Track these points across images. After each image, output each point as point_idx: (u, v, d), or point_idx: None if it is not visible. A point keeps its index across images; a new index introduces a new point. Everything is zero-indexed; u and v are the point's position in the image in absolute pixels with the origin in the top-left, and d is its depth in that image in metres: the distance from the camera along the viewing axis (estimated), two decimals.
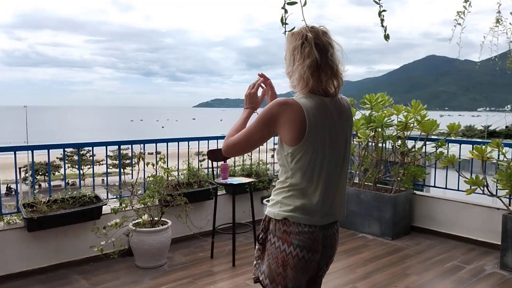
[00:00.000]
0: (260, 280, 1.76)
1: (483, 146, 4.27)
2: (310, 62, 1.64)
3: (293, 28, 1.98)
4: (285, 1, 2.06)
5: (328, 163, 1.68)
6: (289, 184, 1.69)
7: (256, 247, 1.81)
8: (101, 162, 18.02)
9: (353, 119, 1.70)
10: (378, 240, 4.85)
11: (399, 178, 5.06)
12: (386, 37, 2.33)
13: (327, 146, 1.68)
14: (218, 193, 4.52)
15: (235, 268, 3.99)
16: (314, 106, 1.64)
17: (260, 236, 1.77)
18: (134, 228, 3.93)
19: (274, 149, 6.82)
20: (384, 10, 2.26)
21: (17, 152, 3.97)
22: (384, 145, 5.27)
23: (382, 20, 2.30)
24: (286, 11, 2.07)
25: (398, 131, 5.03)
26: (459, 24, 3.39)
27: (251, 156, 5.47)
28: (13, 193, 4.33)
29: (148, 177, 4.26)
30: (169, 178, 4.41)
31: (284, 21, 2.08)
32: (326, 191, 1.69)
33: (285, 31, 2.10)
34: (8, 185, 19.65)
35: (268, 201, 1.90)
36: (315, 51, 1.64)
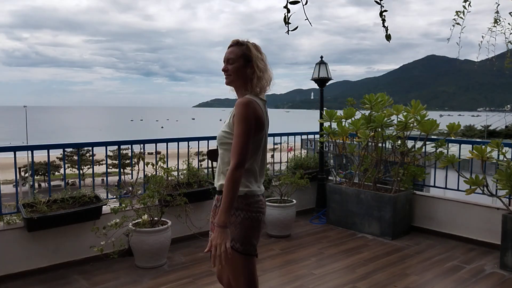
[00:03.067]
0: (232, 245, 2.03)
1: (483, 146, 4.27)
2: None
3: (296, 28, 1.98)
4: (287, 1, 2.04)
5: (262, 150, 2.19)
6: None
7: None
8: (101, 162, 18.02)
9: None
10: (378, 240, 4.85)
11: (399, 178, 5.07)
12: (388, 37, 2.31)
13: (264, 140, 2.17)
14: None
15: None
16: (263, 105, 2.14)
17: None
18: (134, 228, 3.92)
19: (273, 149, 6.78)
20: (385, 11, 2.24)
21: (17, 152, 3.97)
22: (384, 145, 5.27)
23: (383, 21, 2.28)
24: (288, 11, 2.05)
25: (398, 131, 5.03)
26: (458, 24, 3.38)
27: None
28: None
29: (148, 177, 4.26)
30: (169, 178, 4.41)
31: (287, 20, 2.07)
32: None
33: (288, 30, 2.09)
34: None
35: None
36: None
